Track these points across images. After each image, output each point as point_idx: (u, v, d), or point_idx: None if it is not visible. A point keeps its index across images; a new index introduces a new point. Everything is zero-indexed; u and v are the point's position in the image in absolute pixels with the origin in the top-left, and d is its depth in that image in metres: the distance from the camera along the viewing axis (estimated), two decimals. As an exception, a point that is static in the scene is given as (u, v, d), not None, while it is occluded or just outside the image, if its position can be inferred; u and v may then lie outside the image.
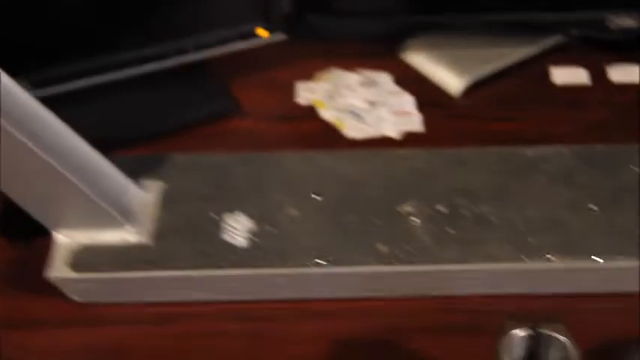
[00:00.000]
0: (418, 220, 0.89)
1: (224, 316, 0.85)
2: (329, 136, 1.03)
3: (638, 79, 1.09)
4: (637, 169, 0.92)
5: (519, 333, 0.71)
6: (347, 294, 0.86)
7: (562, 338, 0.70)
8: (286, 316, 0.85)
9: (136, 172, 0.92)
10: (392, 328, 0.84)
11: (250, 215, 0.89)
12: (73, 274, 0.84)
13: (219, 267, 0.85)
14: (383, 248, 0.86)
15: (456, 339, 0.82)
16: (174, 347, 0.83)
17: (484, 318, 0.83)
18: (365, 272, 0.85)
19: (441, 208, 0.90)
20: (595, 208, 0.89)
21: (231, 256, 0.86)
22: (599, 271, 0.85)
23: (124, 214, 0.86)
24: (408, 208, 0.90)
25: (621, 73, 1.10)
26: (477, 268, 0.85)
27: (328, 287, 0.86)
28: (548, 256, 0.85)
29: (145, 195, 0.90)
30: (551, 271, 0.85)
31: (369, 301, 0.86)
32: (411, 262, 0.85)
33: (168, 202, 0.91)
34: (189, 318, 0.85)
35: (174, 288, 0.86)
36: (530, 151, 0.96)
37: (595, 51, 1.13)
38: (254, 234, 0.88)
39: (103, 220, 0.85)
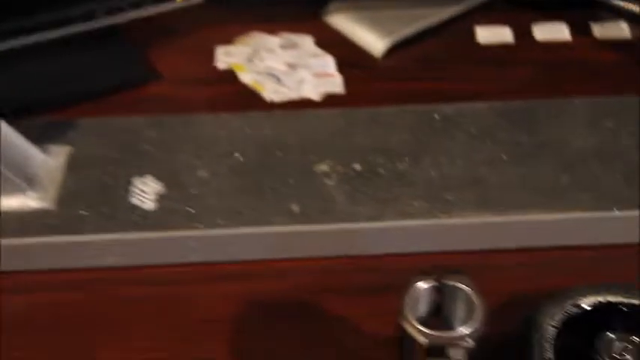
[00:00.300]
0: (333, 180, 0.87)
1: (133, 280, 0.83)
2: (248, 100, 1.00)
3: (562, 36, 1.07)
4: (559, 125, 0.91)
5: (423, 285, 0.69)
6: (258, 255, 0.84)
7: (466, 289, 0.68)
8: (197, 279, 0.82)
9: (42, 137, 0.89)
10: (304, 289, 0.81)
11: (160, 178, 0.87)
12: (-27, 242, 0.82)
13: (127, 230, 0.82)
14: (295, 208, 0.84)
15: (367, 298, 0.80)
16: (83, 314, 0.80)
17: (398, 277, 0.81)
18: (276, 232, 0.83)
19: (356, 166, 0.88)
20: (513, 164, 0.87)
21: (139, 219, 0.83)
22: (514, 225, 0.83)
23: (27, 180, 0.84)
24: (323, 167, 0.88)
25: (545, 32, 1.08)
26: (391, 225, 0.83)
27: (239, 248, 0.83)
28: (464, 212, 0.83)
29: (49, 160, 0.87)
30: (466, 227, 0.83)
31: (281, 262, 0.83)
32: (324, 221, 0.83)
33: (74, 166, 0.88)
34: (98, 284, 0.82)
35: (80, 253, 0.83)
36: (450, 109, 0.94)
37: (520, 10, 1.11)
38: (163, 197, 0.85)
39: (4, 186, 0.83)
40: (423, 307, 0.70)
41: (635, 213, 0.82)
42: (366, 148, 0.89)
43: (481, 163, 0.87)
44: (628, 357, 0.71)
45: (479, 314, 0.67)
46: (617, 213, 0.82)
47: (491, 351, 0.75)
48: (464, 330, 0.66)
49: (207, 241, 0.83)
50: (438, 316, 0.71)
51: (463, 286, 0.69)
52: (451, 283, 0.69)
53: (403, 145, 0.90)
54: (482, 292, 0.79)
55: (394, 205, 0.84)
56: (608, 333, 0.72)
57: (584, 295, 0.75)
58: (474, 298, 0.68)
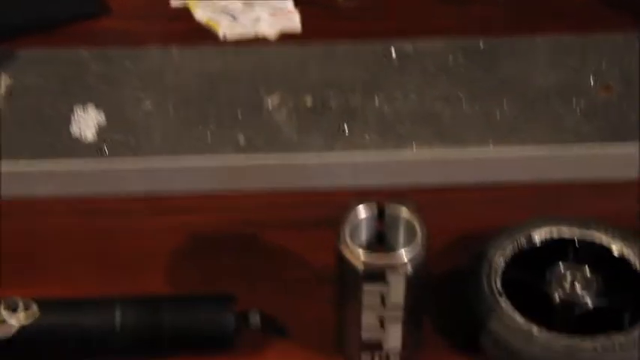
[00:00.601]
0: (283, 113, 0.83)
1: (72, 212, 0.79)
2: (201, 37, 0.97)
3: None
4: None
5: (362, 211, 0.66)
6: (203, 187, 0.80)
7: (408, 215, 0.65)
8: (139, 212, 0.79)
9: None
10: (249, 222, 0.78)
11: (102, 110, 0.83)
12: None
13: (64, 158, 0.79)
14: (242, 139, 0.81)
15: (312, 232, 0.77)
16: (21, 244, 0.77)
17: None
18: (222, 163, 0.80)
19: (308, 100, 0.85)
20: (470, 100, 0.84)
21: (79, 148, 0.80)
22: (469, 160, 0.80)
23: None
24: (273, 100, 0.85)
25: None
26: (340, 157, 0.80)
27: (183, 180, 0.80)
28: (418, 146, 0.80)
29: (-12, 87, 0.84)
30: (419, 161, 0.80)
31: (226, 196, 0.80)
32: (271, 152, 0.80)
33: (14, 96, 0.84)
34: (36, 214, 0.79)
35: (16, 183, 0.80)
36: (408, 46, 0.90)
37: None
38: (104, 128, 0.82)
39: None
40: (364, 236, 0.67)
41: (593, 149, 0.80)
42: (319, 82, 0.86)
43: (437, 98, 0.84)
44: (577, 287, 0.68)
45: (420, 239, 0.64)
46: (575, 148, 0.80)
47: (441, 286, 0.73)
48: (403, 254, 0.63)
49: (149, 171, 0.79)
50: (382, 246, 0.68)
51: (405, 212, 0.65)
52: (392, 209, 0.66)
53: (357, 81, 0.86)
54: (435, 229, 0.77)
55: (345, 139, 0.81)
56: (559, 265, 0.70)
57: (536, 229, 0.72)
58: (416, 223, 0.65)
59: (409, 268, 0.63)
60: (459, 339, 0.69)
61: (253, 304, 0.69)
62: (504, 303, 0.67)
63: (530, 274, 0.70)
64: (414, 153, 0.80)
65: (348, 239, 0.64)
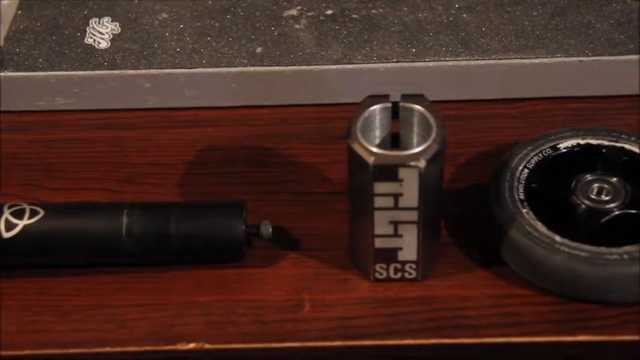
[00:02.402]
0: (302, 24, 0.80)
1: (87, 125, 0.77)
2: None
3: None
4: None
5: (375, 105, 0.63)
6: (218, 102, 0.78)
7: (422, 109, 0.62)
8: (150, 124, 0.77)
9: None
10: (266, 136, 0.76)
11: (117, 20, 0.81)
12: None
13: (78, 69, 0.77)
14: (260, 50, 0.78)
15: (330, 145, 0.74)
16: (32, 153, 0.75)
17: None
18: (237, 73, 0.77)
19: (328, 11, 0.81)
20: (498, 9, 0.80)
21: (92, 58, 0.78)
22: (495, 71, 0.76)
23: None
24: (293, 12, 0.82)
25: None
26: (359, 67, 0.77)
27: (197, 92, 0.77)
28: (441, 55, 0.77)
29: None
30: (442, 71, 0.77)
31: (242, 109, 0.78)
32: (288, 63, 0.77)
33: (27, 5, 0.82)
34: (47, 126, 0.77)
35: (30, 92, 0.78)
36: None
37: None
38: (119, 37, 0.79)
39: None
40: (378, 136, 0.63)
41: (629, 59, 0.76)
42: (340, -7, 0.83)
43: (463, 8, 0.81)
44: (603, 196, 0.65)
45: (434, 136, 0.61)
46: (608, 58, 0.76)
47: (463, 199, 0.70)
48: (417, 149, 0.60)
49: (163, 81, 0.77)
50: (397, 149, 0.65)
51: (419, 110, 0.62)
52: (407, 104, 0.63)
53: (380, -9, 0.83)
54: (459, 142, 0.74)
55: (365, 49, 0.78)
56: (585, 174, 0.66)
57: (563, 139, 0.69)
58: (431, 120, 0.61)
59: (423, 164, 0.59)
60: (479, 251, 0.66)
61: (267, 217, 0.67)
62: (526, 212, 0.64)
63: (555, 183, 0.66)
64: (437, 62, 0.76)
65: (358, 133, 0.61)
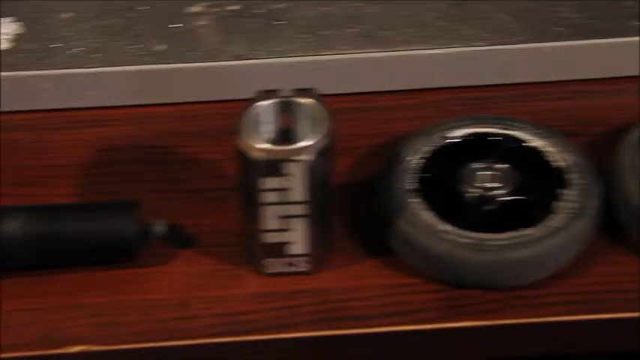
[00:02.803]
0: (206, 20, 0.80)
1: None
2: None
3: None
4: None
5: (264, 102, 0.63)
6: (120, 101, 0.77)
7: (312, 104, 0.62)
8: (50, 126, 0.76)
9: None
10: (168, 134, 0.76)
11: (21, 19, 0.80)
12: None
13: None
14: (162, 48, 0.78)
15: (229, 142, 0.74)
16: None
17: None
18: (138, 71, 0.77)
19: (232, 7, 0.81)
20: (399, 1, 0.81)
21: (-8, 60, 0.78)
22: (398, 62, 0.77)
23: None
24: (196, 8, 0.81)
25: None
26: (263, 63, 0.77)
27: (99, 91, 0.77)
28: (344, 48, 0.77)
29: None
30: (346, 63, 0.77)
31: (145, 107, 0.77)
32: (191, 60, 0.77)
33: None
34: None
35: None
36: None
37: None
38: (21, 38, 0.79)
39: None
40: (269, 132, 0.63)
41: (523, 47, 0.76)
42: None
43: (366, 0, 0.81)
44: (490, 183, 0.65)
45: (321, 130, 0.61)
46: (503, 47, 0.76)
47: (356, 191, 0.70)
48: (303, 144, 0.60)
49: (63, 82, 0.77)
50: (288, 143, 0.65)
51: (309, 104, 0.62)
52: (296, 99, 0.63)
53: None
54: (356, 134, 0.74)
55: (267, 44, 0.78)
56: (474, 163, 0.66)
57: (456, 128, 0.69)
58: (319, 112, 0.61)
59: (309, 158, 0.60)
60: (371, 242, 0.66)
61: (164, 216, 0.67)
62: (414, 201, 0.64)
63: (446, 172, 0.67)
64: (338, 56, 0.76)
65: (245, 129, 0.61)
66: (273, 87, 0.71)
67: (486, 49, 0.76)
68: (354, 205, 0.69)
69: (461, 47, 0.76)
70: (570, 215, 0.63)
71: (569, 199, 0.64)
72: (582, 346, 0.65)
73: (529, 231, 0.62)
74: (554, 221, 0.63)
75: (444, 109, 0.75)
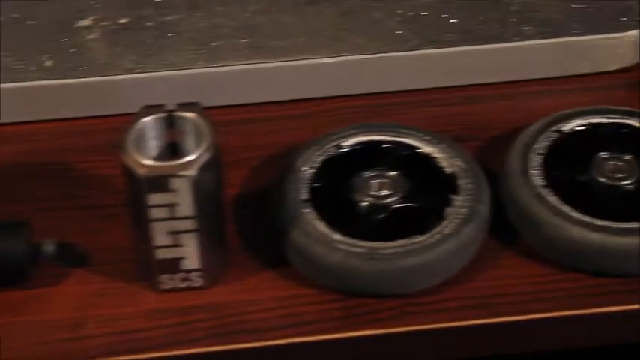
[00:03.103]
0: (96, 33, 0.79)
1: None
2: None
3: None
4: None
5: (148, 118, 0.62)
6: (6, 118, 0.75)
7: (196, 118, 0.62)
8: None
9: None
10: (59, 150, 0.74)
11: None
12: None
13: None
14: (50, 63, 0.77)
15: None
16: None
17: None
18: (25, 87, 0.75)
19: (122, 19, 0.80)
20: (290, 11, 0.80)
21: None
22: (288, 72, 0.76)
23: None
24: (86, 22, 0.80)
25: None
26: (153, 76, 0.76)
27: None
28: (234, 59, 0.77)
29: None
30: (234, 75, 0.76)
31: (32, 124, 0.76)
32: (79, 76, 0.76)
33: None
34: None
35: None
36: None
37: None
38: None
39: None
40: (155, 149, 0.63)
41: (413, 54, 0.77)
42: (133, 1, 0.82)
43: (258, 11, 0.81)
44: (382, 191, 0.65)
45: (205, 144, 0.60)
46: (393, 55, 0.77)
47: (251, 204, 0.70)
48: (187, 159, 0.60)
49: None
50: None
51: (193, 119, 0.62)
52: (180, 113, 0.62)
53: (176, -1, 0.83)
54: (247, 146, 0.74)
55: (157, 57, 0.77)
56: (366, 171, 0.67)
57: (347, 137, 0.69)
58: (203, 126, 0.61)
59: (194, 173, 0.59)
60: (266, 254, 0.66)
61: (58, 234, 0.66)
62: (307, 212, 0.64)
63: (338, 182, 0.67)
64: (227, 68, 0.76)
65: (130, 145, 0.60)
66: (163, 100, 0.71)
67: (378, 57, 0.77)
68: (248, 217, 0.69)
69: (352, 56, 0.77)
70: (460, 221, 0.64)
71: (459, 205, 0.65)
72: (486, 349, 0.66)
73: (419, 238, 0.63)
74: (445, 227, 0.63)
75: (337, 118, 0.75)
